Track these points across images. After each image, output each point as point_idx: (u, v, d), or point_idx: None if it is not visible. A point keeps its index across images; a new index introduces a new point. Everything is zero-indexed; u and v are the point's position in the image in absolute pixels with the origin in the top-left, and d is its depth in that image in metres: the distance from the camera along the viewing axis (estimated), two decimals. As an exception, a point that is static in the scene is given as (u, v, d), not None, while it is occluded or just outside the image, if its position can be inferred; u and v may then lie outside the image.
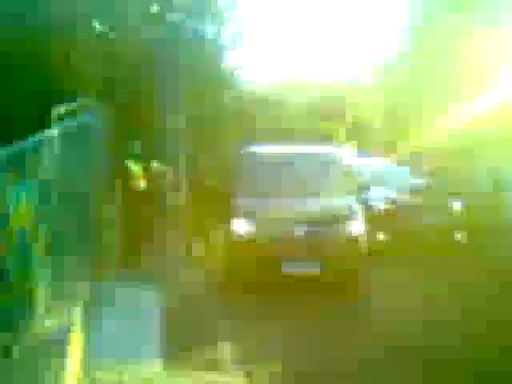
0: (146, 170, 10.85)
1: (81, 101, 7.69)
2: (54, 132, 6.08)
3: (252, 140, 15.28)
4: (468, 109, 15.03)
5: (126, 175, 10.46)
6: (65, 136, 6.50)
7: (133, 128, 11.29)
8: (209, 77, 14.26)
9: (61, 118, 6.33)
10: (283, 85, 28.93)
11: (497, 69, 14.63)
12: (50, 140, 5.93)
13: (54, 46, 9.34)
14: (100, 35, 10.90)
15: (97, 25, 10.86)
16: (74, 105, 7.12)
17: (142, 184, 10.63)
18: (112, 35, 11.06)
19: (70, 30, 9.66)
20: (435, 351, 6.77)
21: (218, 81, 15.23)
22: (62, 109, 6.40)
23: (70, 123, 6.81)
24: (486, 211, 14.47)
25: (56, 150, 6.12)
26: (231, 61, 16.89)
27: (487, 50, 14.81)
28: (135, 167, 10.54)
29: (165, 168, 11.01)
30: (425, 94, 17.74)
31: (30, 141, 5.03)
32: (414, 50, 19.40)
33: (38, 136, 5.49)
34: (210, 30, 15.73)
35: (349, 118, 27.57)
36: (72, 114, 6.96)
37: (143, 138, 11.38)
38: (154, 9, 12.28)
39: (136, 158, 10.69)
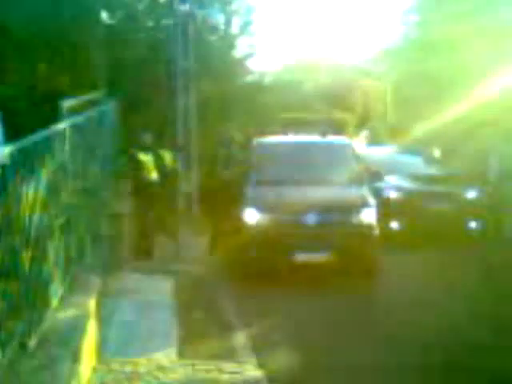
0: (157, 159, 10.87)
1: (92, 93, 7.73)
2: (66, 124, 6.12)
3: (263, 128, 15.31)
4: (480, 91, 14.90)
5: (137, 166, 10.48)
6: (77, 128, 6.55)
7: (143, 118, 11.32)
8: (220, 64, 14.28)
9: (72, 111, 6.36)
10: (294, 72, 28.86)
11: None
12: (62, 132, 5.96)
13: (64, 37, 9.37)
14: (109, 27, 10.92)
15: (105, 16, 10.87)
16: (85, 97, 7.16)
17: (154, 175, 10.64)
18: (121, 26, 11.08)
19: (80, 23, 9.69)
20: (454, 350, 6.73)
21: (229, 68, 15.24)
22: (73, 101, 6.43)
23: (80, 115, 6.85)
24: (501, 197, 14.41)
25: (68, 142, 6.16)
26: (242, 48, 16.91)
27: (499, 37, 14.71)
28: (145, 158, 10.55)
29: (175, 157, 11.03)
30: (436, 81, 17.64)
31: (43, 133, 5.06)
32: (424, 36, 19.29)
33: (51, 129, 5.52)
34: (220, 19, 15.75)
35: (360, 107, 27.47)
36: (84, 106, 7.00)
37: (154, 127, 11.40)
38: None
39: (146, 148, 10.70)
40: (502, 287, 9.04)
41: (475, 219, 12.82)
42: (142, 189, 10.42)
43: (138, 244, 10.32)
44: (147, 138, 10.79)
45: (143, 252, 10.22)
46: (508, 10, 15.22)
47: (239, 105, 15.65)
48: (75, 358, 4.60)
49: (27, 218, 4.60)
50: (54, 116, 6.12)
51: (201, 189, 11.68)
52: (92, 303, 5.77)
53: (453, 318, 7.63)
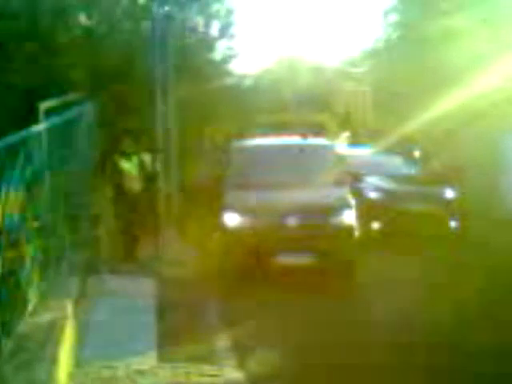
0: (140, 164, 10.77)
1: (69, 95, 7.65)
2: (43, 126, 6.06)
3: (243, 129, 15.29)
4: (460, 91, 14.99)
5: (119, 172, 10.39)
6: (54, 130, 6.48)
7: (123, 120, 11.24)
8: (199, 67, 14.25)
9: (49, 113, 6.30)
10: (275, 74, 28.89)
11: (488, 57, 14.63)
12: (39, 134, 5.90)
13: (41, 40, 9.29)
14: (87, 28, 10.84)
15: (83, 18, 10.79)
16: (62, 99, 7.09)
17: (136, 180, 10.52)
18: (99, 28, 11.01)
19: (56, 24, 9.61)
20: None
21: (208, 71, 15.21)
22: (50, 103, 6.37)
23: (58, 118, 6.78)
24: (481, 197, 14.55)
25: (45, 144, 6.10)
26: (222, 51, 16.90)
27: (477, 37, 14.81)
28: (127, 164, 10.42)
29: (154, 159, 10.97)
30: (415, 81, 17.73)
31: (19, 135, 5.00)
32: (405, 36, 19.39)
33: (27, 130, 5.46)
34: (199, 21, 15.73)
35: (340, 108, 27.54)
36: (60, 108, 6.93)
37: (134, 129, 11.33)
38: (141, 1, 12.25)
39: (127, 154, 10.59)
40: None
41: (454, 219, 12.93)
42: (124, 193, 10.34)
43: (121, 246, 10.25)
44: (129, 143, 10.71)
45: (126, 254, 10.16)
46: (488, 9, 15.34)
47: (220, 107, 15.62)
48: (52, 361, 4.54)
49: (4, 220, 4.54)
50: (32, 117, 6.05)
51: (181, 190, 11.64)
52: (70, 306, 5.70)
53: (431, 319, 7.66)
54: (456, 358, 6.27)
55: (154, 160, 10.99)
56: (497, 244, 11.75)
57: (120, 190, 10.40)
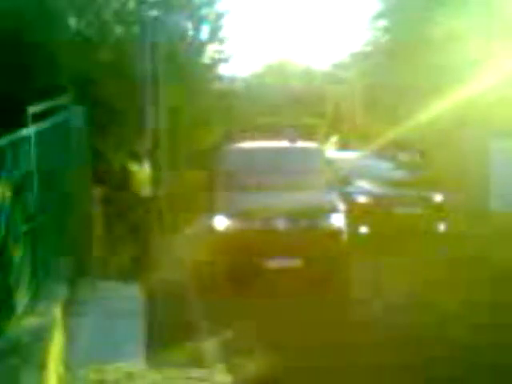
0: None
1: (58, 99, 7.63)
2: (30, 131, 6.04)
3: (233, 134, 15.29)
4: (449, 95, 15.10)
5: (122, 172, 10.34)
6: (42, 135, 6.46)
7: (111, 123, 11.23)
8: (189, 70, 14.27)
9: (37, 117, 6.28)
10: (264, 78, 28.93)
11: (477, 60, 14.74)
12: (27, 139, 5.89)
13: (29, 44, 9.26)
14: (76, 32, 10.84)
15: (72, 22, 10.79)
16: (51, 103, 7.07)
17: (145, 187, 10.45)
18: (88, 32, 11.02)
19: (46, 28, 9.59)
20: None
21: (198, 74, 15.24)
22: (38, 107, 6.35)
23: (47, 122, 6.77)
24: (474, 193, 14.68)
25: (33, 149, 6.08)
26: (212, 54, 16.92)
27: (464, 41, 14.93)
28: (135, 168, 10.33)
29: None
30: (405, 84, 17.82)
31: (6, 139, 4.99)
32: (393, 40, 19.50)
33: (15, 135, 5.44)
34: (189, 25, 15.75)
35: (330, 112, 27.61)
36: (49, 112, 6.91)
37: (119, 133, 11.31)
38: (131, 5, 12.27)
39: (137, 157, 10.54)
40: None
41: (443, 221, 13.00)
42: (108, 193, 10.30)
43: (105, 250, 10.24)
44: (115, 145, 10.69)
45: (111, 259, 10.14)
46: (476, 14, 15.46)
47: (210, 110, 15.64)
48: (41, 365, 4.53)
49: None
50: (20, 121, 6.03)
51: (171, 192, 11.65)
52: (58, 311, 5.69)
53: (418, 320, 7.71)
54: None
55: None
56: (486, 246, 11.91)
57: (120, 188, 10.33)
